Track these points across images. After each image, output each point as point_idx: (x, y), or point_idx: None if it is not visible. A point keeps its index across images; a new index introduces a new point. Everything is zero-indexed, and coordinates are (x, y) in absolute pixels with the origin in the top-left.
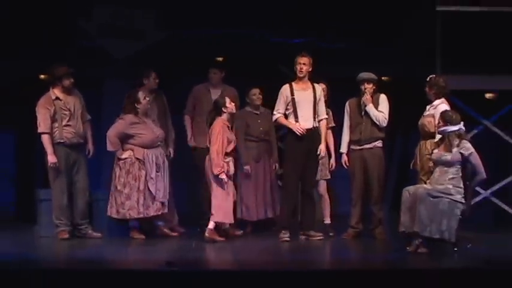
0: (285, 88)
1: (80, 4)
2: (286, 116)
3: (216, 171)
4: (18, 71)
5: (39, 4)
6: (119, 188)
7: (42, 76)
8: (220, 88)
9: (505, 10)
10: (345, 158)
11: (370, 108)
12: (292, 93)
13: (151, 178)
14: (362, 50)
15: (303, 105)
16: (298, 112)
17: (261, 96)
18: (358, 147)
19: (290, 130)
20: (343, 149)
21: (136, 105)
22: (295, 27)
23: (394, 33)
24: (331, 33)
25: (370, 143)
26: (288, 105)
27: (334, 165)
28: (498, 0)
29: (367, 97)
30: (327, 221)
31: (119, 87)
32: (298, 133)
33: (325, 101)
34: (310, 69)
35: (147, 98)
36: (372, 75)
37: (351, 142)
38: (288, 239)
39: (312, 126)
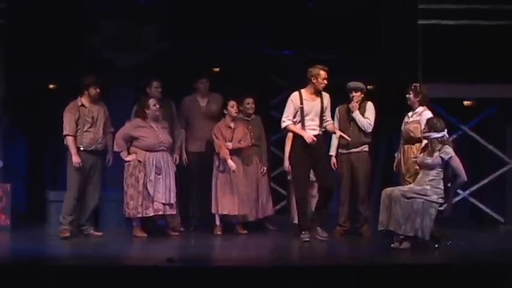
0: (295, 96)
1: (87, 19)
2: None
3: (222, 156)
4: (31, 81)
5: (50, 19)
6: (125, 188)
7: (51, 86)
8: (207, 96)
9: (482, 24)
10: (333, 160)
11: (356, 114)
12: (301, 102)
13: (150, 180)
14: (350, 61)
15: (310, 115)
16: (305, 122)
17: (253, 106)
18: (346, 151)
19: (296, 137)
20: (332, 151)
21: (146, 110)
22: (286, 39)
23: (379, 45)
24: (321, 45)
25: (357, 147)
26: (296, 113)
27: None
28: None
29: (353, 104)
30: None
31: (124, 95)
32: (308, 141)
33: None
34: None
35: (157, 105)
36: (359, 84)
37: (339, 146)
38: (308, 239)
39: (317, 134)
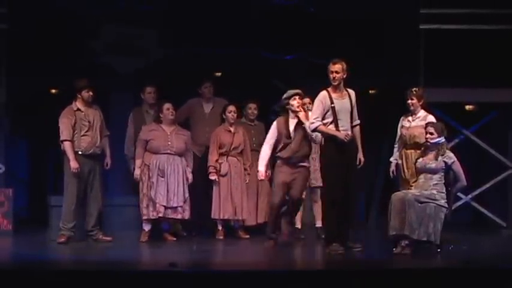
0: (324, 96)
1: (87, 24)
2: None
3: (209, 171)
4: (32, 85)
5: (50, 24)
6: (138, 192)
7: (52, 90)
8: (211, 102)
9: (483, 28)
10: None
11: None
12: (331, 102)
13: (152, 182)
14: (352, 65)
15: (341, 113)
16: (339, 121)
17: (256, 111)
18: None
19: (328, 140)
20: None
21: (160, 114)
22: (287, 44)
23: (381, 49)
24: (323, 50)
25: None
26: (326, 113)
27: None
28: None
29: None
30: (318, 224)
31: (124, 100)
32: (345, 140)
33: None
34: (344, 76)
35: (170, 109)
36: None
37: None
38: (341, 251)
39: (350, 135)
